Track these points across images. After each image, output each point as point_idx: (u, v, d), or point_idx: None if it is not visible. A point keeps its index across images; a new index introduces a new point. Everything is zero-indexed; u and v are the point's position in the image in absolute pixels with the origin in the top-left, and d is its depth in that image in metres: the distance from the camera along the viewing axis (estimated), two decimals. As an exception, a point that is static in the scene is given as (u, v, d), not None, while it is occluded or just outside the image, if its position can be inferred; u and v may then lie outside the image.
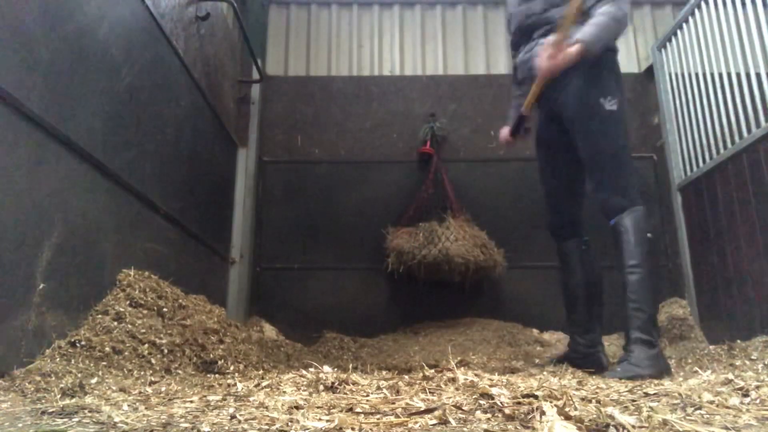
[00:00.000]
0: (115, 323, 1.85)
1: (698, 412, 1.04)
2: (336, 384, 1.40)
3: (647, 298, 2.12)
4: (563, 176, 2.51)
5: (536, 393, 1.12)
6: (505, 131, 2.73)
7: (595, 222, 2.50)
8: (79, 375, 1.49)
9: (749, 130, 2.88)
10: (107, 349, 1.71)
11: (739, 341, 2.66)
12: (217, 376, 1.99)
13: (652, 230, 2.20)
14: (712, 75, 3.28)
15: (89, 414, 1.08)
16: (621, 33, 2.25)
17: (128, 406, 1.21)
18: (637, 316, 2.10)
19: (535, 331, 3.61)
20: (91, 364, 1.62)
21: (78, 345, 1.68)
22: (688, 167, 3.56)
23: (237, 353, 2.28)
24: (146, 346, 1.86)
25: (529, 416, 0.97)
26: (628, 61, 4.52)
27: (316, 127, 4.27)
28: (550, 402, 1.04)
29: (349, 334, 3.69)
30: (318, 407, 1.14)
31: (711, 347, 2.82)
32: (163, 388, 1.55)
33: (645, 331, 2.07)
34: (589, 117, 2.26)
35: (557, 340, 3.45)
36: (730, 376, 1.46)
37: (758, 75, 2.82)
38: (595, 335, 2.44)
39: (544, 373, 2.15)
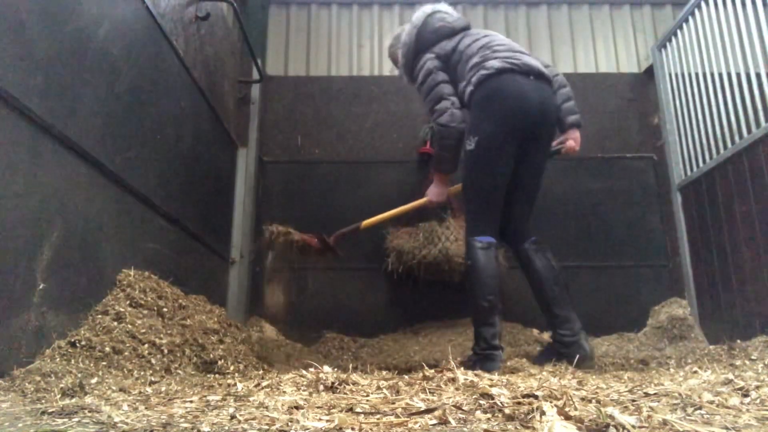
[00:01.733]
0: (115, 323, 1.85)
1: (698, 412, 1.04)
2: (336, 384, 1.40)
3: (473, 304, 2.44)
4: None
5: (536, 393, 1.12)
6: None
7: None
8: (79, 375, 1.49)
9: (749, 130, 2.88)
10: (107, 349, 1.71)
11: (739, 341, 2.66)
12: (217, 376, 1.99)
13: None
14: (712, 75, 3.28)
15: (89, 414, 1.08)
16: (451, 135, 2.56)
17: (128, 406, 1.21)
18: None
19: (535, 331, 3.61)
20: (91, 364, 1.62)
21: (78, 345, 1.68)
22: (688, 167, 3.56)
23: (237, 353, 2.28)
24: (146, 346, 1.86)
25: (529, 416, 0.97)
26: (628, 61, 4.52)
27: (316, 127, 4.27)
28: (550, 402, 1.04)
29: (349, 334, 3.69)
30: (318, 407, 1.14)
31: (711, 347, 2.83)
32: (163, 388, 1.55)
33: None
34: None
35: (557, 340, 3.44)
36: (730, 376, 1.46)
37: (758, 75, 2.82)
38: (573, 324, 2.45)
39: (544, 373, 2.15)
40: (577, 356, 2.30)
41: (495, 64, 2.50)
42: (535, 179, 2.64)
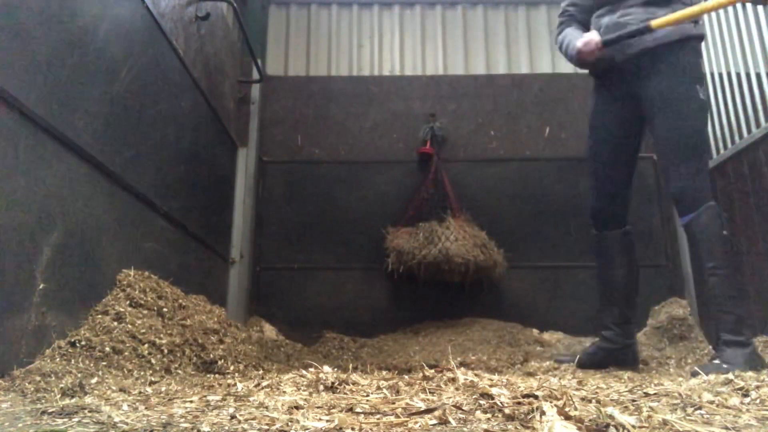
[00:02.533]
0: (115, 323, 1.85)
1: (698, 412, 1.04)
2: (336, 384, 1.40)
3: (733, 298, 2.03)
4: (621, 163, 2.45)
5: (536, 393, 1.12)
6: (596, 39, 2.35)
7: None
8: (79, 375, 1.49)
9: (749, 130, 2.88)
10: (107, 349, 1.71)
11: (739, 341, 2.65)
12: (217, 376, 1.99)
13: (717, 226, 2.11)
14: (712, 75, 3.28)
15: (89, 414, 1.07)
16: None
17: (128, 406, 1.21)
18: (724, 319, 2.02)
19: (535, 331, 3.61)
20: (91, 364, 1.62)
21: (78, 345, 1.68)
22: (688, 167, 3.56)
23: (237, 353, 2.28)
24: (146, 346, 1.86)
25: (529, 416, 0.97)
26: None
27: (316, 127, 4.27)
28: (550, 402, 1.04)
29: (349, 334, 3.69)
30: (318, 407, 1.14)
31: (711, 347, 2.82)
32: (163, 388, 1.55)
33: (735, 333, 1.99)
34: (684, 103, 2.19)
35: (557, 340, 3.45)
36: (730, 376, 1.46)
37: (758, 75, 2.82)
38: (632, 327, 2.40)
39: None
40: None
41: None
42: None
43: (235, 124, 3.89)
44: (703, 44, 2.27)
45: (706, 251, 2.09)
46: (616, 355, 2.33)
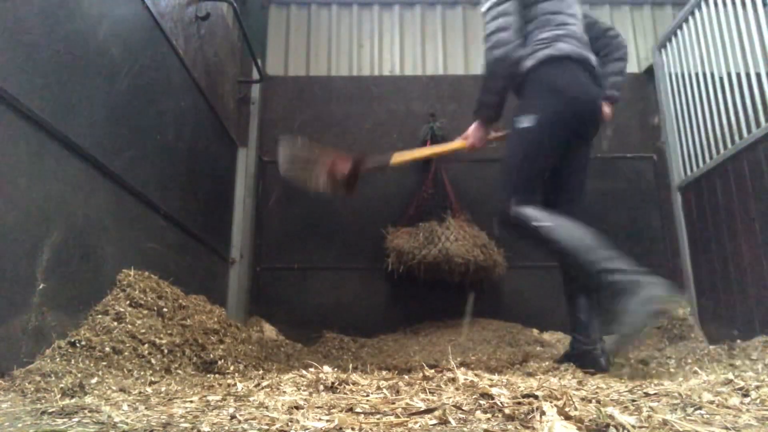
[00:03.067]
0: (115, 323, 1.85)
1: (698, 412, 1.04)
2: (336, 384, 1.40)
3: (577, 258, 2.15)
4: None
5: (536, 393, 1.12)
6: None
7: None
8: (79, 375, 1.49)
9: (749, 130, 2.88)
10: (107, 349, 1.71)
11: (739, 341, 2.66)
12: (217, 376, 1.99)
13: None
14: (712, 75, 3.28)
15: (89, 414, 1.07)
16: (502, 71, 2.35)
17: (128, 406, 1.21)
18: (589, 281, 2.18)
19: (535, 331, 3.61)
20: (91, 364, 1.62)
21: (78, 345, 1.68)
22: (688, 167, 3.56)
23: (237, 353, 2.28)
24: (146, 346, 1.86)
25: (529, 416, 0.97)
26: (628, 62, 4.52)
27: (316, 127, 4.27)
28: (550, 402, 1.04)
29: (349, 334, 3.69)
30: (318, 407, 1.14)
31: (711, 347, 2.82)
32: (163, 388, 1.55)
33: (607, 273, 2.13)
34: (510, 133, 2.46)
35: (557, 340, 3.45)
36: (730, 376, 1.46)
37: (758, 75, 2.82)
38: (592, 332, 2.35)
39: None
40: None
41: (564, 48, 2.36)
42: (578, 178, 2.57)
43: (235, 124, 3.89)
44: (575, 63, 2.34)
45: (537, 244, 2.30)
46: (577, 363, 2.30)
